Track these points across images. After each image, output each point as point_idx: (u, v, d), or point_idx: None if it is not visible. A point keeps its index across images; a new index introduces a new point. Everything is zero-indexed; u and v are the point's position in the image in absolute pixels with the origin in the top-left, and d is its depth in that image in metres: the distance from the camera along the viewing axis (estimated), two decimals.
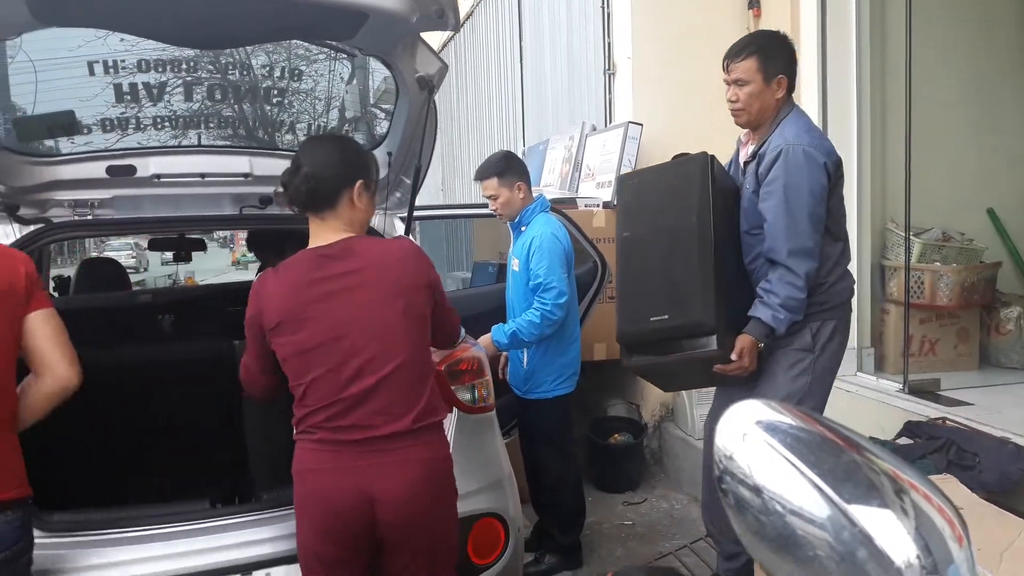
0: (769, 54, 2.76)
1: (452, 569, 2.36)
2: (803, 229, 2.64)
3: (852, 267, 4.61)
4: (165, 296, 3.66)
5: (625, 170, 4.89)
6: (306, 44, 2.95)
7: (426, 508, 2.20)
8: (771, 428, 0.56)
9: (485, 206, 3.89)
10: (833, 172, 2.71)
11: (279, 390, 2.31)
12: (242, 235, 31.86)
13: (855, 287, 2.95)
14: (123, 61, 2.62)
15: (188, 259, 4.46)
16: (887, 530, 0.51)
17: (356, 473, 2.14)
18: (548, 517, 3.91)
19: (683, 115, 5.19)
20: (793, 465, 0.53)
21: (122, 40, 2.59)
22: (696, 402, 4.87)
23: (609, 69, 5.59)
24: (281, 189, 2.29)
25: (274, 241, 3.84)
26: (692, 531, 4.18)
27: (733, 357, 2.69)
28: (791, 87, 2.81)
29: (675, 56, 5.23)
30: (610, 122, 5.63)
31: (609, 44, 5.58)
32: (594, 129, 5.75)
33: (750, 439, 0.55)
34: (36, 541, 2.24)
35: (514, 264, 3.76)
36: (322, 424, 2.16)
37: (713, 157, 2.78)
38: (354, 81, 3.26)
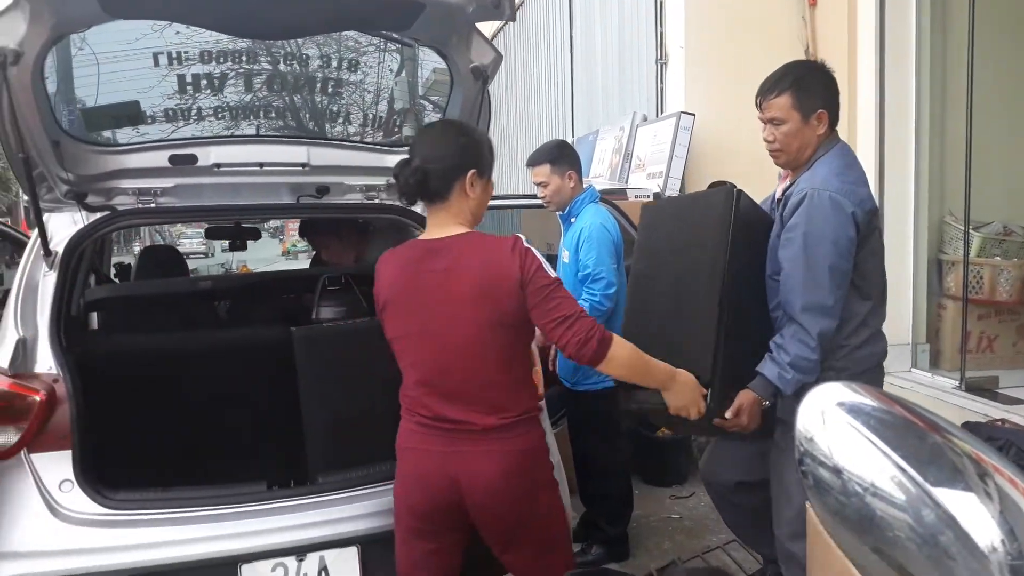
0: (805, 88, 2.52)
1: (565, 555, 2.36)
2: (821, 283, 2.39)
3: (906, 260, 4.58)
4: (225, 283, 3.74)
5: (677, 161, 4.87)
6: (356, 35, 2.98)
7: (515, 497, 2.21)
8: (853, 410, 0.56)
9: (533, 197, 3.90)
10: (864, 222, 2.44)
11: None
12: (292, 225, 32.45)
13: (887, 351, 2.63)
14: (186, 52, 2.68)
15: (244, 247, 4.55)
16: (971, 513, 0.50)
17: (444, 458, 2.20)
18: (595, 508, 3.91)
19: (737, 106, 5.08)
20: (876, 446, 0.52)
21: (177, 33, 2.64)
22: None
23: (661, 59, 5.55)
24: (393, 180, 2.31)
25: (331, 229, 3.90)
26: None
27: (728, 415, 2.43)
28: (833, 120, 2.57)
29: (729, 45, 5.17)
30: (661, 112, 5.59)
31: (661, 34, 5.54)
32: (645, 119, 5.71)
33: (830, 421, 0.55)
34: (99, 518, 2.33)
35: (564, 256, 3.76)
36: (416, 408, 2.25)
37: (740, 192, 2.50)
38: (403, 72, 3.29)
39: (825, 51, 5.04)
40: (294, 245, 34.77)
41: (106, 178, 2.81)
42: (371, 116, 3.37)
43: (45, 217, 2.66)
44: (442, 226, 2.25)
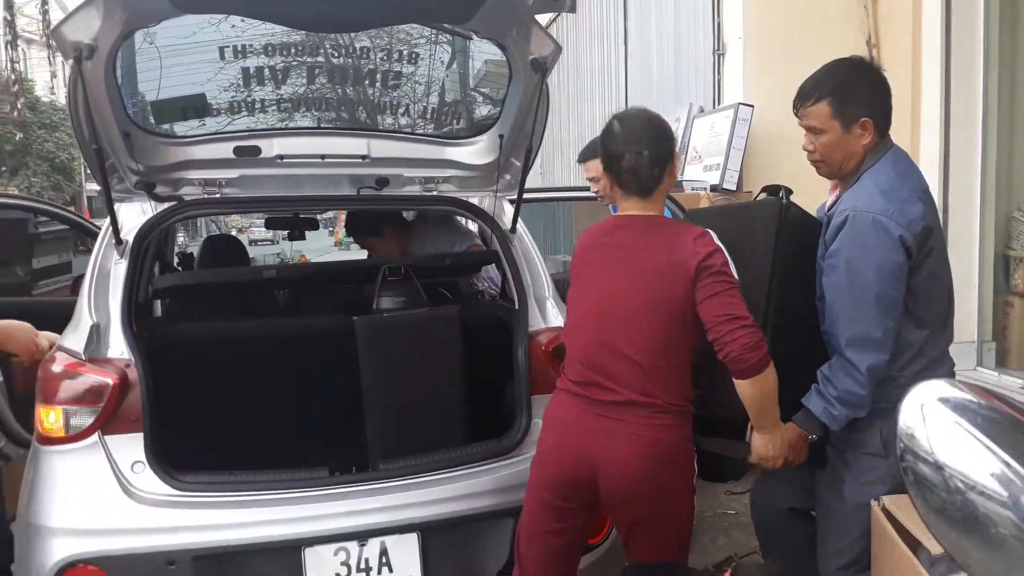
0: (845, 95, 2.28)
1: (683, 547, 2.37)
2: (867, 315, 2.18)
3: (972, 257, 4.45)
4: (289, 272, 3.82)
5: (735, 153, 4.80)
6: (408, 27, 3.00)
7: (648, 487, 2.18)
8: (955, 406, 0.55)
9: (586, 189, 3.90)
10: (915, 244, 2.19)
11: None
12: (344, 216, 32.84)
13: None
14: (249, 45, 2.74)
15: (302, 237, 4.63)
16: None
17: (585, 433, 2.22)
18: None
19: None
20: (979, 442, 0.52)
21: (233, 26, 2.70)
22: None
23: (718, 50, 5.48)
24: (620, 174, 2.29)
25: (372, 224, 3.95)
26: None
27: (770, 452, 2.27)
28: (882, 126, 2.32)
29: (789, 35, 5.08)
30: (718, 103, 5.52)
31: (719, 24, 5.47)
32: (701, 111, 5.65)
33: (931, 417, 0.55)
34: (169, 499, 2.40)
35: None
36: (571, 374, 2.30)
37: (789, 205, 2.33)
38: (454, 64, 3.30)
39: (888, 40, 4.92)
40: (346, 236, 35.12)
41: (174, 169, 2.89)
42: (428, 108, 3.40)
43: (116, 207, 2.74)
44: (637, 208, 2.32)
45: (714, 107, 5.56)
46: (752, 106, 4.99)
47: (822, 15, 5.06)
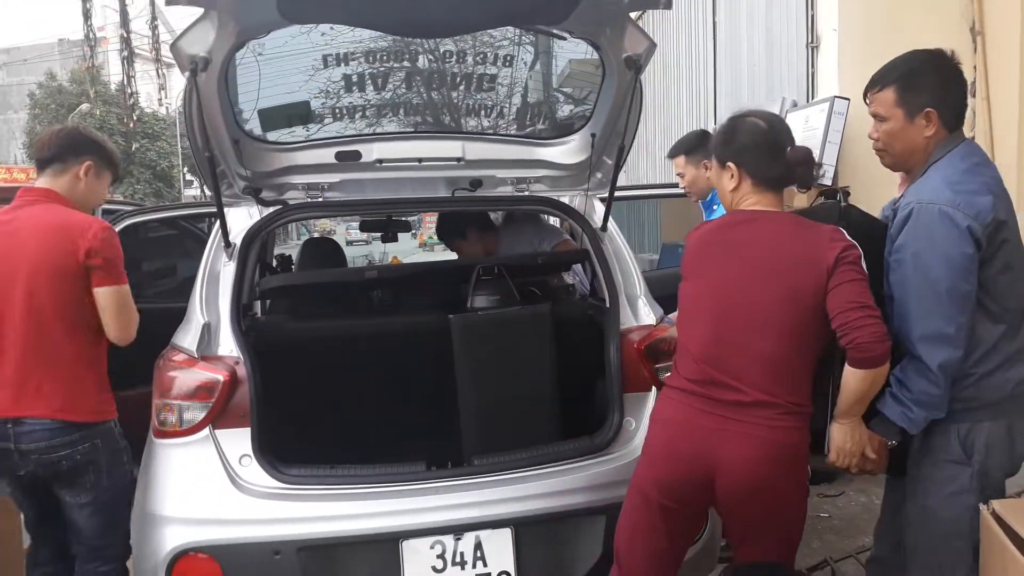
0: (912, 84, 2.23)
1: (792, 548, 2.32)
2: (938, 310, 2.11)
3: None
4: (389, 273, 3.91)
5: (830, 147, 4.69)
6: (493, 31, 3.02)
7: (769, 489, 2.15)
8: None
9: (673, 186, 3.91)
10: (986, 236, 2.11)
11: None
12: (429, 218, 33.31)
13: None
14: (349, 53, 2.82)
15: (395, 239, 4.74)
16: None
17: (704, 434, 2.16)
18: None
19: None
20: None
21: (323, 35, 2.77)
22: None
23: (812, 42, 5.36)
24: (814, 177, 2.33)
25: (460, 226, 4.01)
26: None
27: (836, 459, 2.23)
28: (949, 120, 2.24)
29: (886, 26, 4.91)
30: (812, 97, 5.39)
31: (813, 17, 5.34)
32: (795, 105, 5.53)
33: None
34: (274, 491, 2.49)
35: None
36: (687, 373, 2.23)
37: (849, 207, 2.32)
38: (537, 65, 3.32)
39: (994, 28, 4.68)
40: (431, 238, 35.74)
41: (279, 174, 3.00)
42: (519, 110, 3.43)
43: (225, 211, 2.86)
44: (768, 204, 2.29)
45: (807, 101, 5.43)
46: (848, 99, 4.85)
47: (922, 2, 4.87)
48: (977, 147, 2.30)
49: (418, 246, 35.56)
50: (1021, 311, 2.23)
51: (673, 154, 3.79)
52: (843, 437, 2.21)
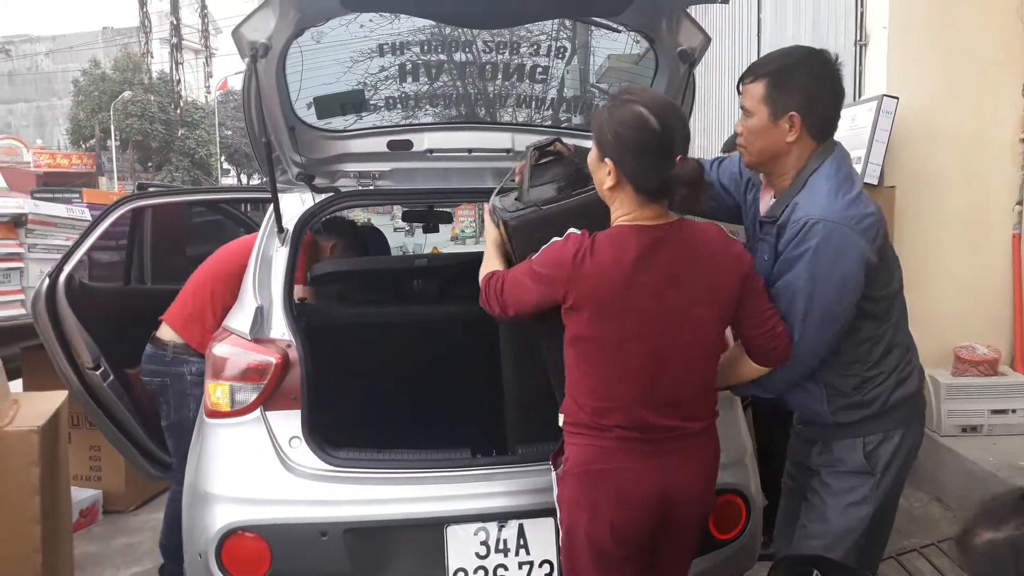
0: (782, 82, 2.10)
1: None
2: (818, 329, 2.12)
3: None
4: (438, 261, 3.95)
5: (878, 146, 4.63)
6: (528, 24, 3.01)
7: (711, 505, 2.23)
8: None
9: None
10: (876, 253, 2.10)
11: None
12: (461, 212, 33.39)
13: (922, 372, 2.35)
14: (408, 42, 2.84)
15: (436, 229, 4.77)
16: None
17: (656, 474, 2.04)
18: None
19: (946, 88, 4.82)
20: None
21: (361, 27, 2.78)
22: (944, 397, 4.55)
23: (861, 40, 5.28)
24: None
25: None
26: (933, 531, 3.92)
27: None
28: (817, 129, 2.13)
29: (938, 23, 4.84)
30: (860, 96, 5.32)
31: (862, 14, 5.26)
32: None
33: None
34: (323, 473, 2.52)
35: None
36: (619, 424, 2.03)
37: None
38: (575, 59, 3.32)
39: None
40: (462, 231, 35.91)
41: (332, 162, 3.04)
42: (568, 102, 3.43)
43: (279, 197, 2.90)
44: (644, 220, 2.02)
45: (855, 99, 5.35)
46: (896, 98, 4.78)
47: (976, 1, 4.80)
48: (843, 153, 2.22)
49: (450, 239, 35.71)
50: (897, 305, 2.25)
51: (730, 148, 3.06)
52: None
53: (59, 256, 3.69)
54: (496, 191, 2.50)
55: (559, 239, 2.05)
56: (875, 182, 4.62)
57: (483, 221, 2.53)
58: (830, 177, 2.10)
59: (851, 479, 2.26)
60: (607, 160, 1.98)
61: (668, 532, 2.14)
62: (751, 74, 2.17)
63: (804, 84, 2.11)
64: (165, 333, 3.32)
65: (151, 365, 3.32)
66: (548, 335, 2.23)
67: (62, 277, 3.38)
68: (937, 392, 4.56)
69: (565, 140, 2.43)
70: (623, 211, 2.02)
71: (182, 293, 3.35)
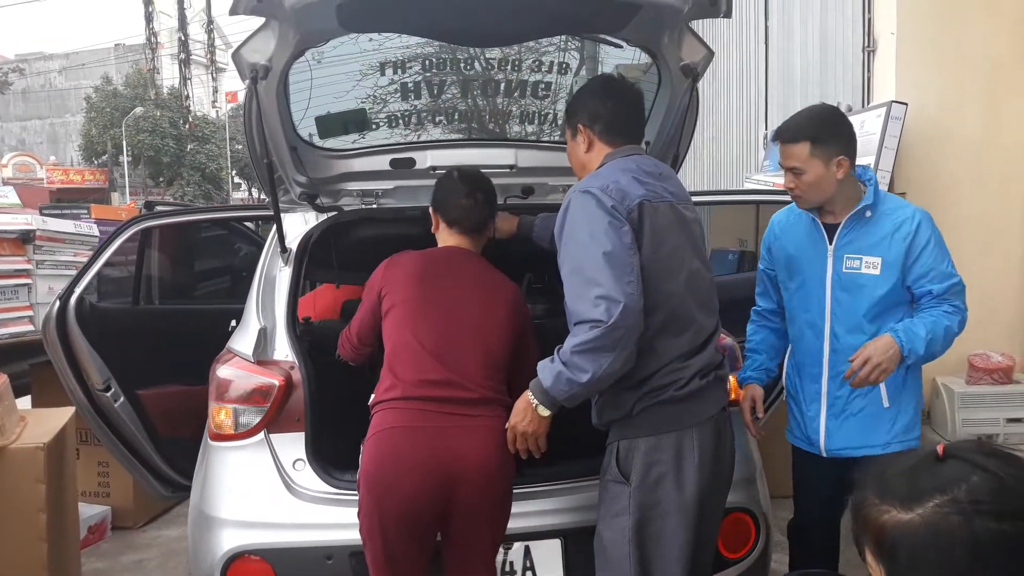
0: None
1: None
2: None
3: None
4: None
5: (887, 153, 4.59)
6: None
7: (505, 477, 2.36)
8: None
9: (720, 192, 3.83)
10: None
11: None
12: None
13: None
14: (409, 60, 2.83)
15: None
16: None
17: (434, 435, 2.27)
18: None
19: (955, 94, 4.77)
20: None
21: (370, 40, 2.77)
22: (959, 406, 4.49)
23: (869, 46, 5.24)
24: None
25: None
26: None
27: None
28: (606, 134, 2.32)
29: (947, 29, 4.80)
30: (868, 102, 5.28)
31: (870, 20, 5.22)
32: (850, 109, 5.42)
33: None
34: (327, 496, 2.51)
35: None
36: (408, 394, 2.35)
37: None
38: (582, 71, 3.30)
39: None
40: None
41: (335, 181, 3.03)
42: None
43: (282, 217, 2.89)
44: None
45: (863, 106, 5.31)
46: (905, 104, 4.74)
47: (985, 5, 4.76)
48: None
49: None
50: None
51: (792, 137, 2.51)
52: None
53: (67, 272, 3.68)
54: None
55: None
56: (884, 188, 4.58)
57: None
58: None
59: (611, 488, 2.21)
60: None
61: (467, 510, 2.27)
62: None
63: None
64: None
65: None
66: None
67: (73, 299, 3.38)
68: (951, 401, 4.50)
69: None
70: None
71: None
